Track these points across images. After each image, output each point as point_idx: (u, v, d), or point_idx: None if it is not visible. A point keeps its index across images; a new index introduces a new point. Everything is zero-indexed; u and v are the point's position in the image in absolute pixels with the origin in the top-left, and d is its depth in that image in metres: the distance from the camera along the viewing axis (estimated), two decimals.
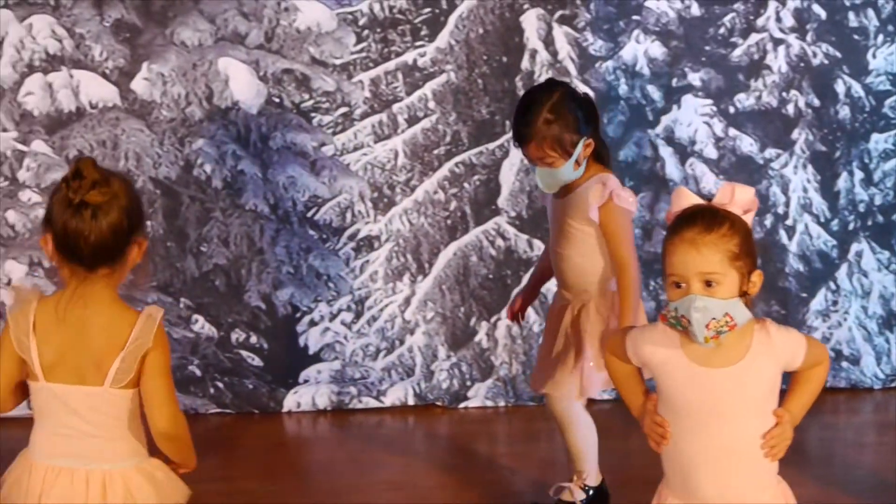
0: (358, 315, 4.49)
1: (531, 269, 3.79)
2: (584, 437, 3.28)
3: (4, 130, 4.32)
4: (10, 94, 4.31)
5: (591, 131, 3.15)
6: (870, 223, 4.70)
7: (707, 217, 2.20)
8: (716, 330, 2.17)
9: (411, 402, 4.53)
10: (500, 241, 4.46)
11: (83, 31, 4.31)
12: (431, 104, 4.46)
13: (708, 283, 2.17)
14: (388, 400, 4.50)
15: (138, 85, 4.35)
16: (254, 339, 4.43)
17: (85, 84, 4.34)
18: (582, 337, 3.17)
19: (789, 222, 4.66)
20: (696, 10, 4.54)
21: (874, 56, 4.66)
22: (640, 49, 4.53)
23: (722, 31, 4.57)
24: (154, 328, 2.24)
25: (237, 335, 4.42)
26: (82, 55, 4.32)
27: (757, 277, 2.23)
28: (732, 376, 2.22)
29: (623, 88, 4.52)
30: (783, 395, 2.36)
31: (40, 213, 4.30)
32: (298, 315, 4.45)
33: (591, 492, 3.31)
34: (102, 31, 4.32)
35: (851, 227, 4.69)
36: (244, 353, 4.42)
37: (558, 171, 3.12)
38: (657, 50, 4.54)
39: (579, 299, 3.22)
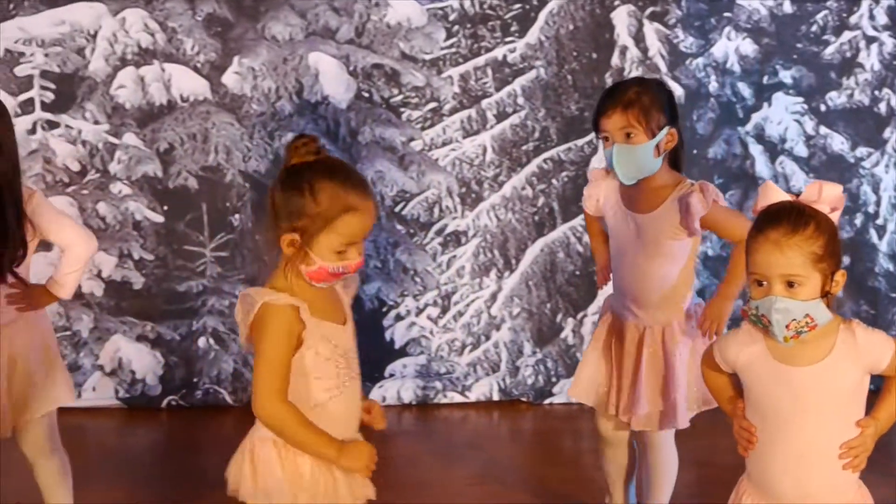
0: (444, 310, 4.61)
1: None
2: (672, 471, 3.29)
3: (96, 123, 4.46)
4: (102, 87, 4.45)
5: (675, 126, 3.10)
6: None
7: (793, 217, 2.23)
8: (796, 330, 2.23)
9: (496, 397, 4.66)
10: (587, 238, 4.56)
11: (175, 25, 4.44)
12: (520, 100, 4.56)
13: (790, 284, 2.22)
14: (473, 395, 4.64)
15: (229, 79, 4.48)
16: None
17: (176, 78, 4.47)
18: (671, 362, 3.13)
19: (880, 221, 4.74)
20: (788, 7, 4.61)
21: None
22: (732, 46, 4.60)
23: (814, 28, 4.63)
24: (250, 311, 2.35)
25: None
26: (174, 49, 4.45)
27: (840, 277, 2.27)
28: (814, 375, 2.27)
29: (713, 86, 4.60)
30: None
31: (131, 205, 4.47)
32: (385, 309, 4.59)
33: None
34: (194, 25, 4.45)
35: None
36: None
37: (638, 150, 3.02)
38: (748, 47, 4.62)
39: (654, 319, 3.16)
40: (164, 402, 4.59)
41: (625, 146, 3.03)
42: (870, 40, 4.67)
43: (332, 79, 4.51)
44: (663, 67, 4.58)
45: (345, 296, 2.52)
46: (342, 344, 2.45)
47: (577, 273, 4.63)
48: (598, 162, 4.58)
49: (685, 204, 3.03)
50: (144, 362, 4.55)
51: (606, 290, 3.37)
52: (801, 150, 4.68)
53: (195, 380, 4.57)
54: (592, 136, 4.46)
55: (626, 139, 3.03)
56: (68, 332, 4.50)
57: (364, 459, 2.48)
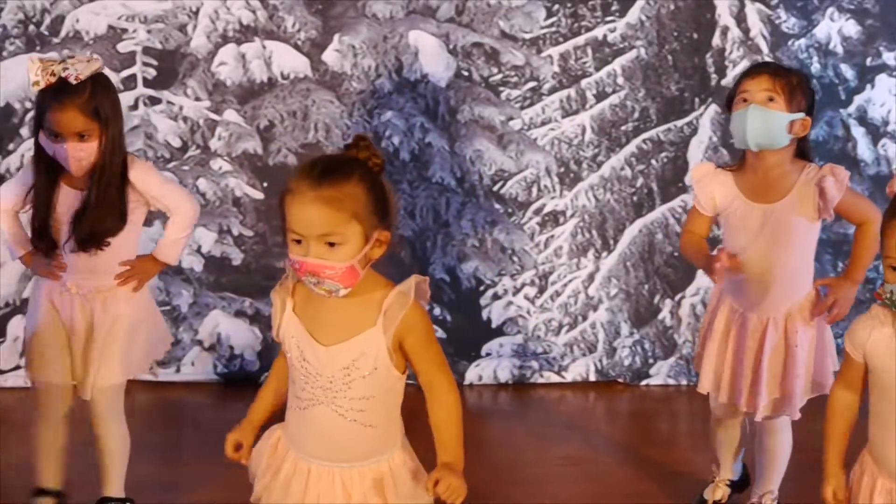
0: (541, 290, 4.85)
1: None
2: (786, 456, 3.51)
3: (198, 99, 4.72)
4: (203, 64, 4.72)
5: (811, 118, 3.28)
6: None
7: None
8: None
9: (593, 378, 4.89)
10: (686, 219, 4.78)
11: (276, 3, 4.70)
12: (620, 80, 4.79)
13: None
14: (570, 375, 4.87)
15: (329, 56, 4.73)
16: (437, 311, 4.82)
17: (277, 55, 4.73)
18: (792, 351, 3.29)
19: None
20: None
21: None
22: (834, 27, 4.81)
23: None
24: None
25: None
26: (275, 26, 4.70)
27: None
28: None
29: (815, 67, 4.81)
30: None
31: (231, 181, 4.74)
32: (482, 288, 4.83)
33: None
34: (295, 2, 4.70)
35: None
36: None
37: (775, 116, 3.13)
38: (851, 28, 4.82)
39: (778, 308, 3.31)
40: (262, 378, 4.83)
41: (762, 108, 3.15)
42: None
43: (431, 57, 4.74)
44: (765, 48, 4.79)
45: (382, 332, 2.38)
46: (313, 363, 2.40)
47: (676, 254, 4.85)
48: (697, 144, 4.80)
49: (820, 188, 3.18)
50: (243, 338, 4.81)
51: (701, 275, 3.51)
52: None
53: None
54: (692, 116, 4.69)
55: (767, 103, 3.18)
56: (168, 307, 4.77)
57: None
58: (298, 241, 2.29)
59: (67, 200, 3.30)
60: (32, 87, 3.19)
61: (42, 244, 3.32)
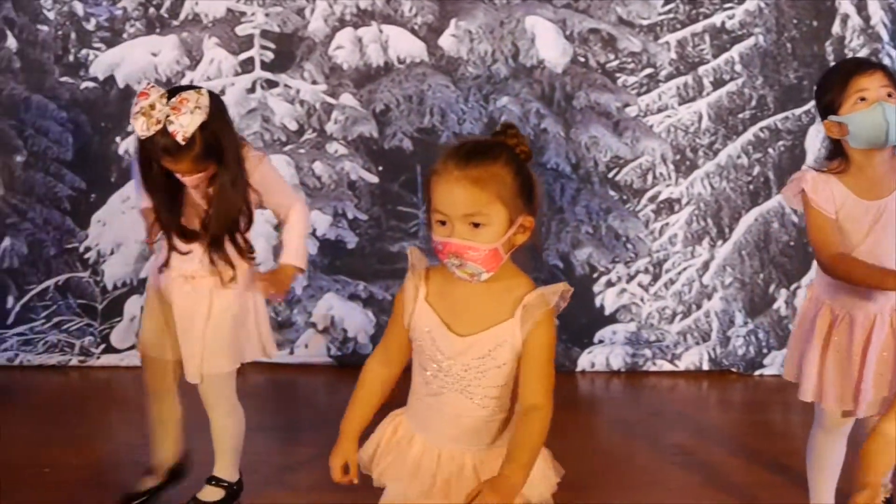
0: (655, 277, 5.03)
1: None
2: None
3: (314, 83, 4.94)
4: (321, 48, 4.93)
5: None
6: None
7: None
8: None
9: (706, 367, 5.07)
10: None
11: None
12: (738, 67, 4.95)
13: None
14: (683, 364, 5.05)
15: (446, 41, 4.93)
16: None
17: (394, 39, 4.94)
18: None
19: None
20: None
21: None
22: None
23: None
24: None
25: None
26: (392, 10, 4.91)
27: None
28: None
29: None
30: None
31: (346, 164, 4.95)
32: (596, 275, 5.03)
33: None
34: None
35: None
36: None
37: None
38: None
39: (885, 305, 3.32)
40: None
41: (892, 105, 3.17)
42: None
43: (548, 43, 4.93)
44: (885, 36, 4.93)
45: (519, 324, 2.43)
46: (447, 351, 2.46)
47: (792, 244, 5.01)
48: (815, 133, 4.95)
49: None
50: (356, 321, 5.03)
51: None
52: None
53: None
54: (810, 105, 4.84)
55: (888, 99, 3.22)
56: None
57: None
58: (443, 223, 2.35)
59: (193, 199, 3.44)
60: (140, 137, 3.23)
61: (169, 235, 3.46)
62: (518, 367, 2.44)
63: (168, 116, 3.19)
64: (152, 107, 3.20)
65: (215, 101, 3.31)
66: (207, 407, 3.61)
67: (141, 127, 3.20)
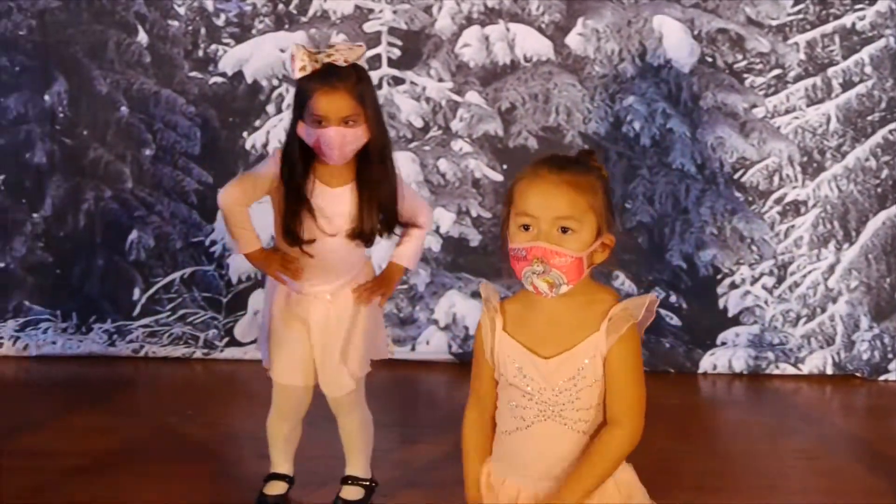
0: (780, 280, 5.21)
1: None
2: None
3: (440, 80, 5.16)
4: (447, 46, 5.16)
5: None
6: None
7: None
8: None
9: (829, 371, 5.24)
10: None
11: None
12: (868, 69, 5.12)
13: None
14: (806, 367, 5.23)
15: (573, 40, 5.14)
16: (673, 298, 5.20)
17: (521, 37, 5.15)
18: None
19: None
20: None
21: None
22: None
23: None
24: None
25: (657, 293, 5.18)
26: (519, 9, 5.13)
27: None
28: None
29: None
30: None
31: (471, 162, 5.17)
32: (720, 277, 5.22)
33: None
34: None
35: None
36: (663, 311, 5.21)
37: None
38: None
39: None
40: None
41: None
42: None
43: (675, 42, 5.12)
44: None
45: (604, 337, 2.42)
46: (537, 378, 2.46)
47: None
48: None
49: None
50: (477, 318, 5.21)
51: None
52: None
53: None
54: None
55: None
56: (405, 286, 5.24)
57: None
58: (526, 227, 2.37)
59: (321, 198, 3.52)
60: (298, 73, 3.38)
61: (287, 239, 3.53)
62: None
63: (328, 52, 3.41)
64: (315, 50, 3.42)
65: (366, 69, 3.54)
66: (339, 411, 3.78)
67: (301, 61, 3.37)
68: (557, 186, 2.36)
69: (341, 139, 3.39)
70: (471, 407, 2.60)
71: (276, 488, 3.91)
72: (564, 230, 2.36)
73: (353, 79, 3.41)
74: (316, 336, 3.63)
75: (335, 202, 3.52)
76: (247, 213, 3.56)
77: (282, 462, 3.91)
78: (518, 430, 2.49)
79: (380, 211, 3.54)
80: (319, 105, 3.37)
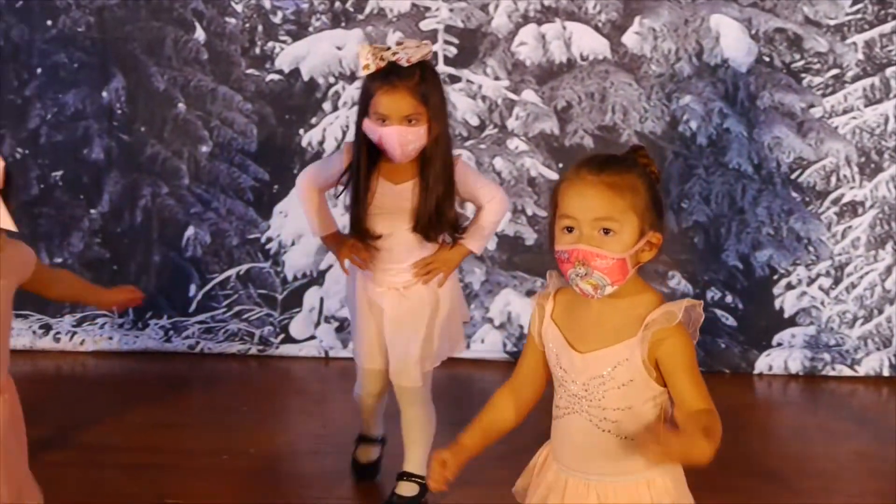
0: (837, 281, 5.31)
1: None
2: None
3: (496, 79, 5.29)
4: (504, 44, 5.28)
5: None
6: None
7: None
8: None
9: (886, 373, 5.36)
10: None
11: None
12: None
13: None
14: (863, 369, 5.34)
15: (629, 39, 5.25)
16: (729, 298, 5.31)
17: (577, 36, 5.28)
18: None
19: None
20: None
21: None
22: None
23: None
24: None
25: (713, 293, 5.31)
26: (576, 8, 5.25)
27: None
28: None
29: None
30: None
31: (527, 161, 5.30)
32: (776, 277, 5.33)
33: None
34: None
35: None
36: (718, 311, 5.31)
37: None
38: None
39: None
40: None
41: None
42: None
43: (732, 42, 5.23)
44: None
45: (639, 343, 2.46)
46: (569, 370, 2.54)
47: None
48: None
49: None
50: None
51: None
52: None
53: None
54: None
55: None
56: (460, 284, 5.33)
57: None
58: (570, 230, 2.42)
59: (385, 194, 3.67)
60: (362, 71, 3.53)
61: (353, 233, 3.73)
62: (644, 388, 2.47)
63: (394, 50, 3.52)
64: (380, 46, 3.54)
65: (433, 66, 3.67)
66: (403, 403, 3.89)
67: (365, 59, 3.51)
68: (595, 187, 2.40)
69: (402, 138, 3.52)
70: (507, 382, 2.70)
71: (367, 454, 4.16)
72: (606, 231, 2.39)
73: (415, 78, 3.52)
74: (387, 326, 3.79)
75: (397, 198, 3.67)
76: (322, 197, 3.79)
77: (371, 426, 4.11)
78: (556, 417, 2.57)
79: (436, 208, 3.66)
80: (381, 104, 3.51)
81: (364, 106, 3.58)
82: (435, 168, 3.63)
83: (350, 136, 4.73)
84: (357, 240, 3.73)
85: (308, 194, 3.79)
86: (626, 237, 2.40)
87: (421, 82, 3.54)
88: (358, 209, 3.68)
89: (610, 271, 2.39)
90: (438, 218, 3.68)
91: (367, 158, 3.63)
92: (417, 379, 3.81)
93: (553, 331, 2.53)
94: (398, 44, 3.56)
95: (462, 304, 4.04)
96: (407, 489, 3.97)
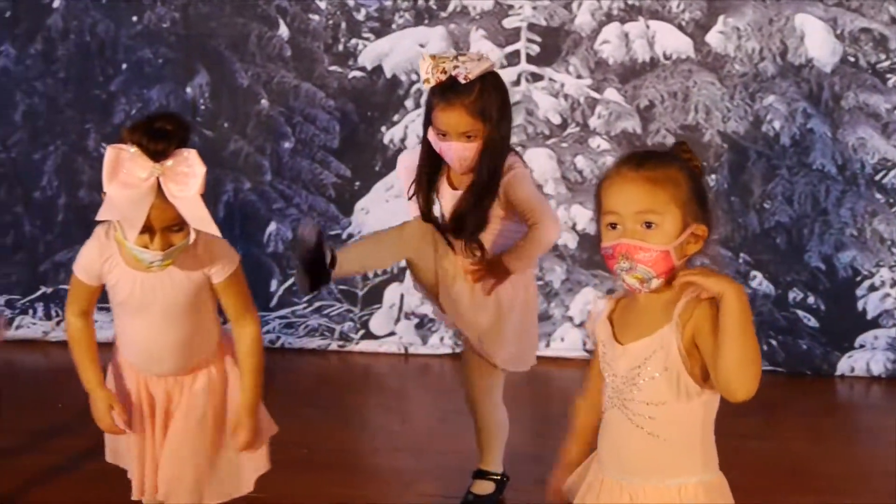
0: None
1: None
2: None
3: (579, 77, 5.44)
4: (587, 42, 5.44)
5: None
6: None
7: None
8: None
9: None
10: None
11: None
12: None
13: None
14: None
15: (713, 38, 5.39)
16: (811, 299, 5.44)
17: (661, 35, 5.42)
18: None
19: None
20: None
21: None
22: None
23: None
24: None
25: (795, 294, 5.43)
26: (660, 6, 5.39)
27: None
28: None
29: None
30: None
31: (608, 159, 5.45)
32: (859, 279, 5.44)
33: None
34: None
35: None
36: (800, 312, 5.44)
37: None
38: None
39: None
40: None
41: None
42: None
43: (817, 42, 5.36)
44: None
45: (674, 329, 2.47)
46: (612, 363, 2.58)
47: None
48: None
49: None
50: None
51: None
52: None
53: None
54: None
55: None
56: (541, 283, 5.51)
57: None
58: (613, 226, 2.47)
59: (444, 197, 3.83)
60: (424, 85, 3.65)
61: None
62: (679, 382, 2.49)
63: (454, 63, 3.62)
64: (442, 58, 3.64)
65: (499, 77, 3.74)
66: (475, 406, 4.01)
67: (425, 74, 3.62)
68: (635, 182, 2.45)
69: (460, 154, 3.67)
70: (579, 395, 2.80)
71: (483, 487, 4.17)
72: (648, 224, 2.44)
73: (473, 94, 3.62)
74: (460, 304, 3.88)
75: (451, 202, 3.82)
76: None
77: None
78: (603, 413, 2.61)
79: (472, 213, 3.76)
80: (439, 119, 3.65)
81: (428, 116, 3.72)
82: (481, 176, 3.72)
83: None
84: None
85: (405, 174, 3.94)
86: (669, 229, 2.44)
87: (479, 98, 3.63)
88: (422, 207, 3.83)
89: (654, 263, 2.43)
90: (460, 224, 3.77)
91: (430, 164, 3.80)
92: (491, 376, 3.95)
93: (605, 328, 2.58)
94: (459, 55, 3.67)
95: (534, 323, 4.09)
96: (483, 487, 4.08)
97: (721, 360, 2.33)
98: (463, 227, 3.76)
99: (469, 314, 3.86)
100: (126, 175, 2.87)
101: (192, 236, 3.02)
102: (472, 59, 3.64)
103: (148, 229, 2.94)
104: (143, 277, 3.12)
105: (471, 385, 4.00)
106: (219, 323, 3.38)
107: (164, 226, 2.96)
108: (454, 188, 3.80)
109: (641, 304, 2.52)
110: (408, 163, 3.97)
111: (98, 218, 2.94)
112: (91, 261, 3.17)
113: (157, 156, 2.91)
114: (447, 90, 3.62)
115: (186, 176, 2.90)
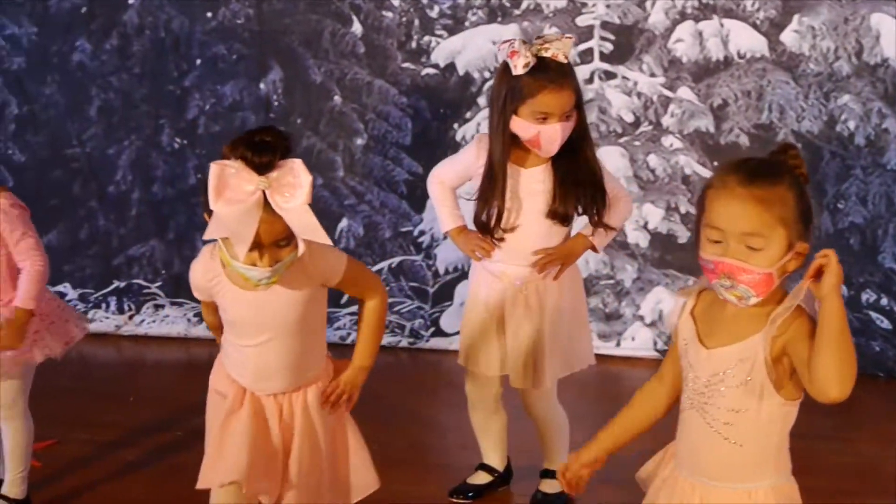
0: None
1: None
2: None
3: (652, 75, 5.56)
4: (660, 41, 5.55)
5: None
6: None
7: None
8: None
9: None
10: None
11: None
12: None
13: None
14: None
15: (788, 37, 5.49)
16: (884, 301, 5.53)
17: (735, 33, 5.53)
18: None
19: None
20: None
21: None
22: None
23: None
24: None
25: (868, 296, 5.53)
26: (734, 5, 5.50)
27: None
28: None
29: None
30: None
31: (681, 158, 5.56)
32: None
33: None
34: None
35: None
36: (873, 314, 5.54)
37: None
38: None
39: None
40: None
41: None
42: None
43: (893, 41, 5.45)
44: None
45: (763, 338, 2.51)
46: (694, 364, 2.62)
47: None
48: None
49: None
50: None
51: None
52: None
53: None
54: None
55: None
56: (612, 281, 5.64)
57: None
58: (717, 241, 2.47)
59: (513, 177, 3.85)
60: (521, 70, 3.67)
61: (481, 228, 3.92)
62: (762, 392, 2.53)
63: (545, 46, 3.71)
64: (530, 44, 3.72)
65: None
66: (531, 410, 4.12)
67: (525, 58, 3.67)
68: (744, 202, 2.43)
69: (562, 134, 3.75)
70: (654, 377, 2.82)
71: (477, 478, 4.35)
72: (751, 248, 2.42)
73: (572, 74, 3.77)
74: (508, 325, 3.98)
75: (529, 181, 3.87)
76: (450, 192, 4.01)
77: (487, 453, 4.34)
78: (681, 412, 2.66)
79: (581, 189, 3.87)
80: (546, 102, 3.70)
81: (516, 104, 3.74)
82: (576, 151, 3.83)
83: None
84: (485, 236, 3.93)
85: (441, 191, 4.01)
86: (774, 252, 2.43)
87: (574, 77, 3.78)
88: (499, 203, 3.84)
89: (756, 285, 2.43)
90: (593, 196, 3.88)
91: (506, 156, 3.83)
92: (544, 382, 4.00)
93: (688, 325, 2.60)
94: (539, 38, 3.76)
95: (585, 324, 4.18)
96: (551, 486, 4.19)
97: (821, 360, 2.37)
98: (602, 194, 3.87)
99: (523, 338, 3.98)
100: (232, 191, 2.86)
101: (301, 248, 3.01)
102: (560, 42, 3.73)
103: (257, 245, 2.92)
104: (251, 297, 3.10)
105: (525, 393, 4.08)
106: (325, 336, 3.46)
107: (272, 240, 2.94)
108: (523, 167, 3.86)
109: (730, 309, 2.53)
110: (444, 177, 4.03)
111: (205, 237, 2.95)
112: (197, 280, 3.22)
113: (262, 168, 2.90)
114: (554, 71, 3.70)
115: (293, 186, 2.91)
